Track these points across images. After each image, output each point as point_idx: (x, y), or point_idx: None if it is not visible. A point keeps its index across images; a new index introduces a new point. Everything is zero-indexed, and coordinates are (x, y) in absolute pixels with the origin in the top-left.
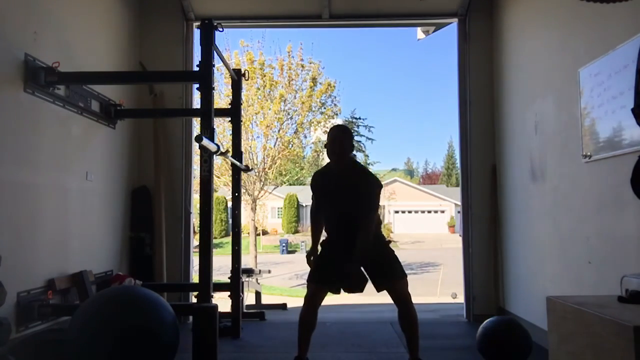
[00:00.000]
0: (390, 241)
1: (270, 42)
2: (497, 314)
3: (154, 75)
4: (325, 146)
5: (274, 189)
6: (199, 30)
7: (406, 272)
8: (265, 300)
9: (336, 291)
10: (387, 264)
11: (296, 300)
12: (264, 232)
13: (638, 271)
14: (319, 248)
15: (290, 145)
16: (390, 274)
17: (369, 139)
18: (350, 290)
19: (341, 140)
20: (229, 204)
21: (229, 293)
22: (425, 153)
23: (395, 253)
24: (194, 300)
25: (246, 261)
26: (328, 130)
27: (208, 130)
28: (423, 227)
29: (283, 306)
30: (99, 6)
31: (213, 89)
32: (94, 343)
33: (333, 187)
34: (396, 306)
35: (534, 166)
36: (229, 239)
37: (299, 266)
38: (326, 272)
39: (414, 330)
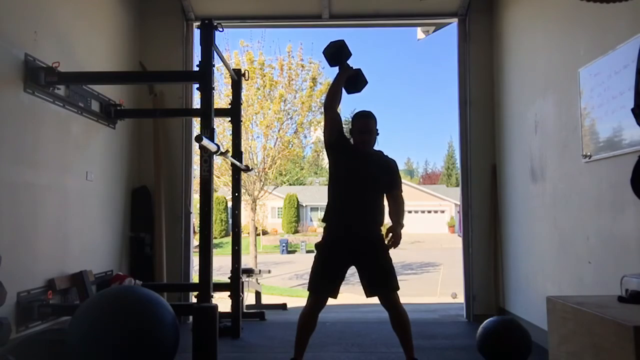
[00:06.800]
0: (390, 247)
1: (270, 42)
2: (497, 314)
3: (154, 75)
4: (351, 132)
5: (274, 189)
6: (199, 30)
7: (406, 272)
8: (265, 300)
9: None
10: (383, 273)
11: (296, 300)
12: (264, 232)
13: (638, 271)
14: (314, 250)
15: (290, 145)
16: (384, 285)
17: None
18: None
19: (372, 131)
20: (229, 204)
21: (229, 293)
22: (425, 153)
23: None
24: (194, 300)
25: (246, 261)
26: (354, 115)
27: (208, 130)
28: (423, 227)
29: (283, 306)
30: (99, 6)
31: (213, 89)
32: (94, 344)
33: (358, 164)
34: (386, 311)
35: (534, 166)
36: (229, 239)
37: (299, 266)
38: (326, 281)
39: (407, 331)
